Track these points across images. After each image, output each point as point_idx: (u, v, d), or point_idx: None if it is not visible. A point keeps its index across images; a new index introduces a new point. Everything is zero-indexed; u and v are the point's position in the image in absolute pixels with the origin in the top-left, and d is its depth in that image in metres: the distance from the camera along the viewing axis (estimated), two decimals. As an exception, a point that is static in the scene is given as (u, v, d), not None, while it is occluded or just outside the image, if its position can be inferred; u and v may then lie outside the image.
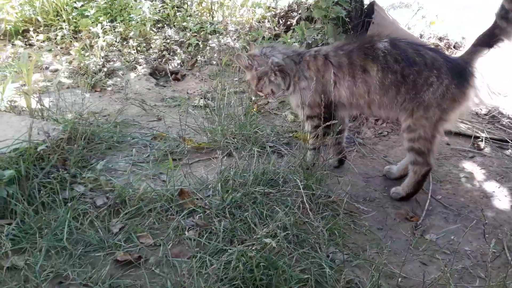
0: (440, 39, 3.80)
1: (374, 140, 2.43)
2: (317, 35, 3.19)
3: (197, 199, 1.75)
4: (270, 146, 2.21)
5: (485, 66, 3.81)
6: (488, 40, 1.77)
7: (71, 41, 3.57)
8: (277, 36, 3.70)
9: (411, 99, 1.79)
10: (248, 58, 2.04)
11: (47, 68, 3.20)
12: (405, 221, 1.82)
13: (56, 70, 3.15)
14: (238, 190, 1.76)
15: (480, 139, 2.44)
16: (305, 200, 1.68)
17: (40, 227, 1.55)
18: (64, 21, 3.74)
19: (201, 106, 2.76)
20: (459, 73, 1.77)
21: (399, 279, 1.45)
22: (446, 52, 3.81)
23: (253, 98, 2.88)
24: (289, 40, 3.37)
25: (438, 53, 1.87)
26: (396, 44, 1.83)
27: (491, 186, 2.07)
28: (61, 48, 3.56)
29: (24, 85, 2.68)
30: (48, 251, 1.47)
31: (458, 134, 2.50)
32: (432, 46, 2.60)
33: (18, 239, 1.50)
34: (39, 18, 3.79)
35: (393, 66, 1.79)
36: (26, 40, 3.64)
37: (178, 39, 3.75)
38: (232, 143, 2.19)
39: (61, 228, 1.55)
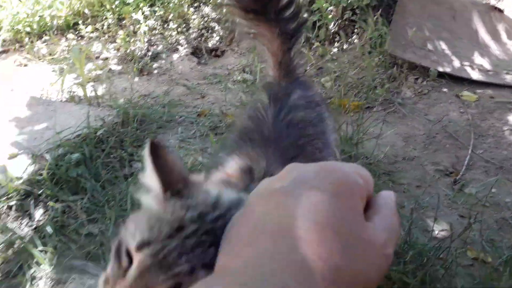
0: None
1: (414, 99, 2.44)
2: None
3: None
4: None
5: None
6: None
7: (116, 29, 3.79)
8: None
9: None
10: None
11: (97, 57, 3.44)
12: (445, 177, 1.86)
13: (106, 58, 3.38)
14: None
15: (527, 89, 2.37)
16: (342, 163, 1.77)
17: (107, 200, 1.77)
18: (108, 10, 3.96)
19: (240, 81, 2.87)
20: None
21: (435, 231, 1.53)
22: None
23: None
24: None
25: None
26: None
27: (536, 136, 2.04)
28: (108, 36, 3.78)
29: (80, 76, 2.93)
30: (116, 220, 1.69)
31: (503, 86, 2.44)
32: None
33: (90, 211, 1.74)
34: (86, 10, 4.03)
35: None
36: (77, 32, 3.90)
37: (215, 16, 3.85)
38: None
39: (124, 200, 1.77)
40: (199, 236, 0.51)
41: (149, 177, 0.59)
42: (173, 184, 0.57)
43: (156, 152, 0.60)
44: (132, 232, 0.53)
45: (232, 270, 0.38)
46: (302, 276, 0.35)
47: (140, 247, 0.51)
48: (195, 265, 0.49)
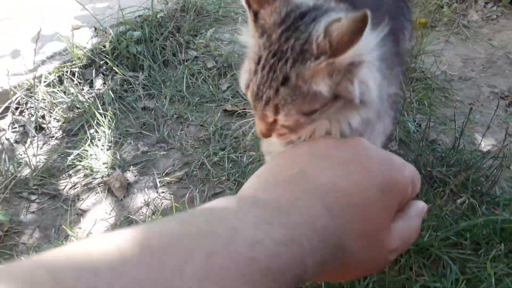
0: None
1: (480, 23, 2.32)
2: None
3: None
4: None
5: None
6: None
7: None
8: None
9: None
10: None
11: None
12: (499, 99, 1.82)
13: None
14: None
15: None
16: (398, 71, 1.75)
17: (163, 80, 1.85)
18: None
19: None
20: None
21: (482, 144, 1.53)
22: None
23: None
24: None
25: None
26: None
27: None
28: None
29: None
30: (171, 98, 1.77)
31: None
32: None
33: (147, 87, 1.82)
34: None
35: None
36: None
37: None
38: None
39: (180, 82, 1.84)
40: (269, 60, 0.56)
41: None
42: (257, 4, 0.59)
43: None
44: (241, 78, 0.61)
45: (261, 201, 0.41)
46: (315, 236, 0.37)
47: (245, 89, 0.60)
48: (277, 87, 0.55)
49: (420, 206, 0.48)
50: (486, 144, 1.55)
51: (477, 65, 2.04)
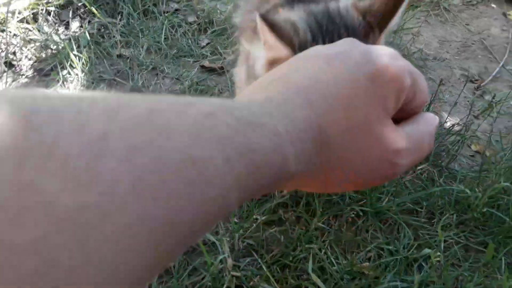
0: None
1: (460, 8, 2.37)
2: None
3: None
4: None
5: None
6: None
7: None
8: None
9: None
10: None
11: None
12: (469, 82, 1.89)
13: None
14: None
15: None
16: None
17: (142, 29, 1.81)
18: None
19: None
20: None
21: (447, 122, 1.60)
22: None
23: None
24: None
25: None
26: None
27: None
28: None
29: None
30: (148, 48, 1.74)
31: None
32: None
33: (125, 35, 1.78)
34: None
35: None
36: None
37: None
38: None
39: (159, 33, 1.81)
40: None
41: None
42: None
43: None
44: None
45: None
46: (293, 125, 0.32)
47: None
48: None
49: (430, 115, 0.42)
50: (451, 122, 1.62)
51: (453, 48, 2.10)
